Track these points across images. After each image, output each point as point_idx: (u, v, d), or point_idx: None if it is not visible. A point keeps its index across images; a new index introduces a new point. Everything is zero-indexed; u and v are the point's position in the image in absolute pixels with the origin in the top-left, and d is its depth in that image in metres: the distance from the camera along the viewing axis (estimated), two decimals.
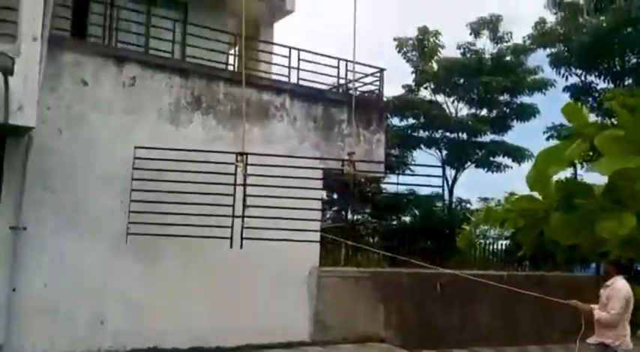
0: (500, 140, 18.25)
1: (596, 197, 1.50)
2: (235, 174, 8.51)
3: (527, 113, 18.19)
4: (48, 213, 8.01)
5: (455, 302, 11.85)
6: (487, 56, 18.17)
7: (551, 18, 18.51)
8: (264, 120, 10.17)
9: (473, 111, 18.59)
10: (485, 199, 18.70)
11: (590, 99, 18.18)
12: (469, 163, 18.23)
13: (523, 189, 1.57)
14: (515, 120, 18.39)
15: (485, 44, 18.38)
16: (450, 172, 18.08)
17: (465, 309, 11.98)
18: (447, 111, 18.35)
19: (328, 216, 16.34)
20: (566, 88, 17.94)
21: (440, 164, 10.88)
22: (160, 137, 8.81)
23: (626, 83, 17.76)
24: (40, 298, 7.89)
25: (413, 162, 16.75)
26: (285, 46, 10.93)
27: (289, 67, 10.84)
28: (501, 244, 15.83)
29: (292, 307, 9.94)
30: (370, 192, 16.50)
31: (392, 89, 23.28)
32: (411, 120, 18.04)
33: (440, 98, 18.45)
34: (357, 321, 10.72)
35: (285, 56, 10.88)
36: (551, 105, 19.99)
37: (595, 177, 1.52)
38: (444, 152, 18.11)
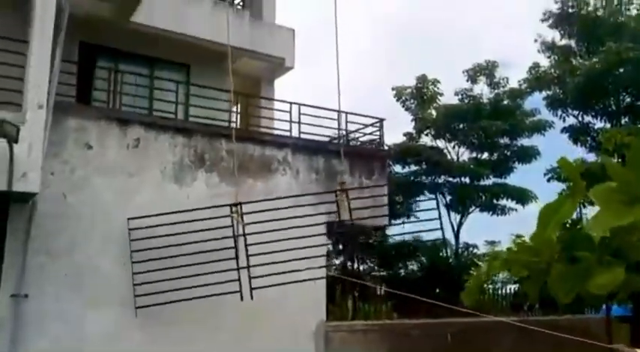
0: (503, 183, 18.22)
1: (595, 248, 1.48)
2: (234, 226, 8.45)
3: (528, 155, 18.24)
4: (50, 279, 7.90)
5: (466, 350, 11.55)
6: (485, 101, 18.36)
7: (544, 62, 18.82)
8: (266, 175, 10.17)
9: (474, 155, 18.65)
10: (492, 243, 18.54)
11: (588, 138, 18.26)
12: (473, 207, 18.14)
13: (528, 232, 1.60)
14: (516, 163, 18.42)
15: (482, 89, 18.63)
16: (455, 217, 17.99)
17: None
18: (449, 156, 18.41)
19: (334, 266, 16.14)
20: (564, 129, 18.04)
21: (436, 207, 10.74)
22: (164, 197, 8.79)
23: (622, 122, 17.86)
24: None
25: (417, 209, 16.59)
26: (285, 102, 11.06)
27: (290, 122, 10.93)
28: (510, 288, 15.59)
29: None
30: (375, 241, 16.36)
31: (392, 137, 23.45)
32: (413, 167, 18.08)
33: (441, 144, 18.56)
34: None
35: (286, 111, 11.00)
36: (552, 145, 20.10)
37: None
38: (448, 197, 18.05)
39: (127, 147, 8.78)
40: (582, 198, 1.48)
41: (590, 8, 18.73)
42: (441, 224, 10.66)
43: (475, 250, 18.20)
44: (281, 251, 8.43)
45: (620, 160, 14.52)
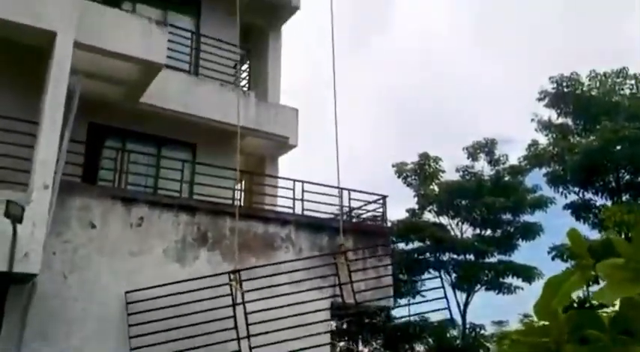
0: (508, 260, 17.96)
1: (606, 327, 1.41)
2: (232, 295, 8.24)
3: (531, 231, 18.13)
4: None
5: None
6: (486, 178, 18.47)
7: (542, 139, 19.08)
8: (269, 253, 10.00)
9: (477, 231, 18.53)
10: (500, 323, 18.05)
11: (591, 215, 18.19)
12: (479, 286, 17.79)
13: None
14: (520, 239, 18.26)
15: (482, 166, 18.79)
16: (461, 296, 17.60)
17: None
18: (452, 232, 18.28)
19: (338, 349, 15.59)
20: (566, 206, 18.03)
21: (441, 285, 10.49)
22: (165, 277, 8.58)
23: (624, 198, 17.86)
24: None
25: (422, 287, 16.24)
26: (289, 179, 11.07)
27: (294, 199, 10.88)
28: None
29: None
30: (380, 321, 15.90)
31: (395, 211, 23.41)
32: (417, 244, 17.92)
33: (444, 220, 18.51)
34: None
35: (290, 188, 10.98)
36: (555, 221, 20.04)
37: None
38: (453, 275, 17.75)
39: (130, 226, 8.68)
40: (590, 277, 1.43)
41: (584, 88, 19.22)
42: (448, 303, 10.39)
43: (482, 331, 17.66)
44: (282, 318, 8.18)
45: (622, 236, 14.42)
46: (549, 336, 1.47)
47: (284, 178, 11.63)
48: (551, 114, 19.45)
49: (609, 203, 17.71)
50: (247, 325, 8.30)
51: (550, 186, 18.08)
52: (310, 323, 8.67)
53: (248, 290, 8.52)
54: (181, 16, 11.90)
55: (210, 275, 8.74)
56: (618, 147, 17.06)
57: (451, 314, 10.78)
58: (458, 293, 17.44)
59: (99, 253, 8.29)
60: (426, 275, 16.61)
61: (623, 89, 19.36)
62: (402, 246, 17.74)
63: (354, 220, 12.27)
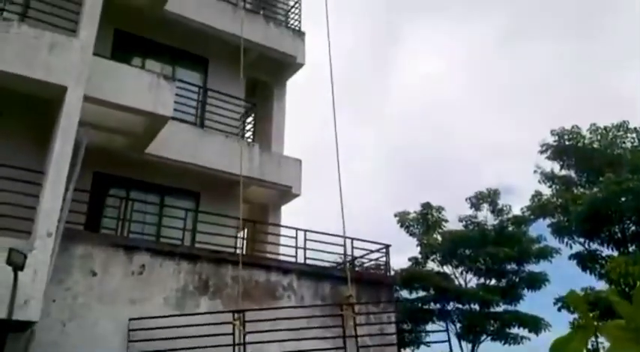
0: (514, 310, 17.53)
1: None
2: (234, 334, 8.06)
3: (537, 281, 17.78)
4: None
5: None
6: (489, 227, 18.27)
7: (546, 190, 18.95)
8: (270, 302, 9.83)
9: (482, 281, 18.18)
10: None
11: (597, 265, 17.81)
12: (484, 336, 17.30)
13: None
14: (525, 289, 17.87)
15: (486, 216, 18.63)
16: (467, 346, 17.09)
17: None
18: (456, 282, 17.94)
19: None
20: (572, 256, 17.70)
21: (447, 338, 10.18)
22: (166, 324, 8.43)
23: (630, 249, 17.51)
24: None
25: (426, 337, 15.80)
26: (292, 228, 11.01)
27: (296, 247, 10.80)
28: None
29: None
30: None
31: (397, 260, 23.13)
32: (421, 293, 17.58)
33: (447, 269, 18.23)
34: None
35: (292, 237, 10.91)
36: (560, 271, 19.67)
37: None
38: (458, 325, 17.30)
39: (131, 274, 8.62)
40: (593, 334, 1.47)
41: (585, 141, 19.22)
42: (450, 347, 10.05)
43: None
44: None
45: (626, 288, 14.04)
46: None
47: (287, 227, 11.59)
48: (553, 166, 19.42)
49: (615, 253, 17.37)
50: (244, 346, 8.08)
51: (555, 236, 17.84)
52: None
53: (250, 332, 8.35)
54: (189, 71, 12.21)
55: (214, 312, 8.68)
56: (623, 199, 16.88)
57: None
58: (463, 343, 16.97)
59: (99, 301, 8.20)
60: (430, 325, 16.23)
61: (624, 142, 19.34)
62: (405, 294, 17.43)
63: (357, 269, 12.12)
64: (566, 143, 19.14)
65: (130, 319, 8.16)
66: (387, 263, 12.08)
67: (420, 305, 17.18)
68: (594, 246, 17.87)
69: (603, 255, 17.69)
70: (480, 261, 17.52)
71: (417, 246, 17.94)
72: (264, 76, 13.09)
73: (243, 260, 9.80)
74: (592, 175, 18.45)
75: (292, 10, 13.71)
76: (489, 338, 17.11)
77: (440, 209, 18.10)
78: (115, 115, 9.36)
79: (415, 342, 15.89)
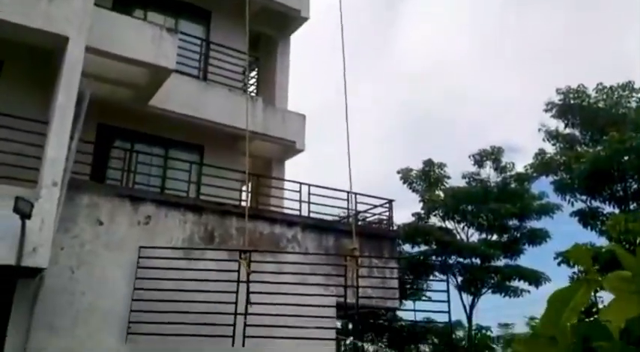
0: (515, 264, 17.60)
1: (615, 339, 1.37)
2: (239, 271, 8.22)
3: (538, 237, 17.77)
4: None
5: None
6: (492, 184, 18.17)
7: (550, 149, 18.74)
8: (275, 253, 9.86)
9: (484, 236, 18.20)
10: (506, 325, 17.67)
11: (598, 222, 17.76)
12: (485, 289, 17.43)
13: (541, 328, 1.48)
14: (526, 245, 17.90)
15: (489, 173, 18.49)
16: (467, 298, 17.25)
17: None
18: (458, 237, 17.97)
19: (344, 347, 15.34)
20: (573, 213, 17.62)
21: (446, 289, 10.24)
22: (171, 272, 8.47)
23: (631, 207, 17.42)
24: None
25: (427, 290, 15.94)
26: (296, 182, 10.94)
27: (300, 201, 10.75)
28: None
29: None
30: (386, 322, 15.62)
31: (400, 216, 23.15)
32: (423, 247, 17.64)
33: (450, 225, 18.21)
34: None
35: (296, 191, 10.86)
36: (562, 227, 19.65)
37: None
38: (459, 278, 17.42)
39: (137, 224, 8.62)
40: (597, 287, 1.43)
41: (591, 100, 18.92)
42: (449, 307, 10.13)
43: (488, 332, 17.29)
44: (286, 305, 8.14)
45: (627, 245, 13.98)
46: (557, 348, 1.43)
47: (291, 181, 11.53)
48: (558, 125, 19.17)
49: (617, 211, 17.29)
50: (247, 303, 8.17)
51: (557, 193, 17.73)
52: (315, 316, 8.52)
53: (254, 271, 8.45)
54: (192, 24, 11.93)
55: (222, 249, 8.84)
56: (626, 158, 16.68)
57: (450, 317, 10.53)
58: (464, 295, 17.12)
59: (106, 248, 8.24)
60: (431, 278, 16.32)
61: (629, 102, 19.04)
62: (407, 249, 17.49)
63: (360, 224, 12.11)
64: (572, 102, 18.84)
65: (140, 247, 8.25)
66: (390, 217, 12.07)
67: (421, 258, 17.27)
68: (596, 203, 17.78)
69: (604, 212, 17.61)
70: (482, 217, 17.50)
71: (420, 202, 17.90)
72: (268, 29, 12.78)
73: (248, 213, 9.80)
74: (596, 134, 18.20)
75: None
76: (489, 290, 17.26)
77: (441, 166, 17.96)
78: (118, 67, 9.20)
79: (416, 294, 16.02)
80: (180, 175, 10.12)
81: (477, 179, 18.02)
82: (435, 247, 17.14)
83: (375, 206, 12.00)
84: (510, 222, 17.79)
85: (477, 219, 17.65)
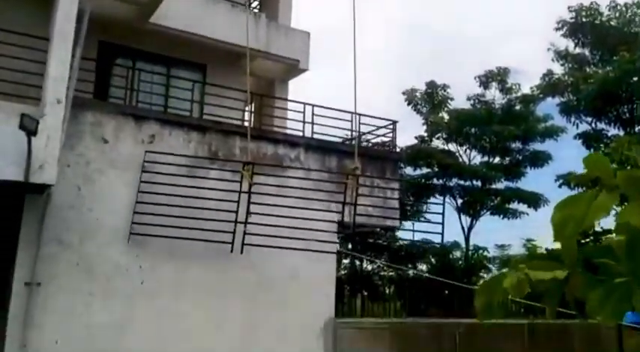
0: (515, 187, 17.91)
1: (619, 256, 1.37)
2: (241, 182, 8.64)
3: (540, 160, 17.94)
4: (62, 268, 7.89)
5: None
6: (497, 106, 18.12)
7: (558, 69, 18.51)
8: (279, 172, 10.07)
9: (486, 159, 18.39)
10: (502, 246, 18.26)
11: (602, 145, 17.88)
12: (484, 211, 17.86)
13: (539, 235, 1.42)
14: (528, 167, 18.12)
15: (494, 95, 18.38)
16: (466, 220, 17.73)
17: None
18: (460, 159, 18.16)
19: (343, 266, 15.98)
20: (577, 136, 17.70)
21: (442, 211, 10.59)
22: (177, 189, 8.72)
23: (637, 129, 17.49)
24: None
25: (427, 211, 16.35)
26: (299, 102, 10.98)
27: (304, 122, 10.83)
28: None
29: None
30: (385, 242, 16.17)
31: (403, 139, 23.27)
32: (425, 170, 17.87)
33: (452, 147, 18.34)
34: None
35: (300, 111, 10.91)
36: (564, 151, 19.86)
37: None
38: (459, 200, 17.81)
39: (141, 142, 8.77)
40: (617, 199, 1.33)
41: (603, 18, 18.45)
42: (443, 229, 10.51)
43: (485, 253, 17.92)
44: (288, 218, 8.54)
45: (629, 167, 14.10)
46: (561, 266, 1.43)
47: (294, 101, 11.55)
48: (568, 44, 18.82)
49: (622, 133, 17.36)
50: (248, 213, 8.52)
51: (562, 115, 17.71)
52: (316, 230, 8.92)
53: (256, 183, 8.78)
54: None
55: (224, 160, 9.20)
56: (635, 78, 16.53)
57: (443, 237, 10.99)
58: (463, 217, 17.60)
59: (111, 166, 8.44)
60: (429, 201, 16.69)
61: None
62: (410, 171, 17.73)
63: (363, 145, 12.24)
64: (583, 20, 18.38)
65: (147, 151, 8.50)
66: (394, 138, 12.17)
67: (423, 181, 17.56)
68: (601, 125, 17.82)
69: (609, 134, 17.70)
70: (485, 140, 17.60)
71: (424, 124, 17.95)
72: None
73: (251, 132, 9.91)
74: (606, 54, 17.91)
75: None
76: (489, 212, 17.69)
77: (445, 87, 17.82)
78: None
79: (416, 216, 16.46)
80: (183, 94, 10.13)
81: (482, 101, 17.94)
82: (436, 169, 17.36)
83: (379, 127, 12.08)
84: (513, 145, 17.90)
85: (479, 142, 17.76)
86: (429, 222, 12.92)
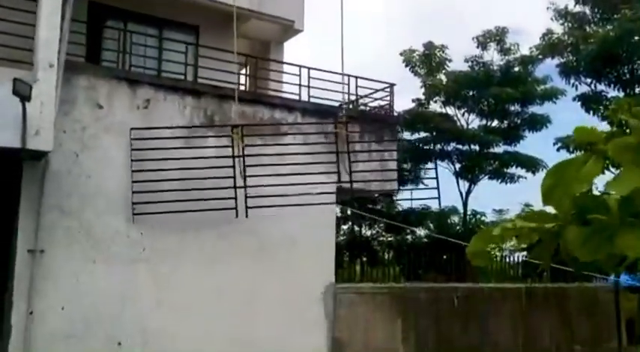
0: (513, 151, 18.15)
1: (612, 210, 1.42)
2: (233, 147, 8.86)
3: (538, 123, 18.11)
4: (63, 235, 8.07)
5: (473, 316, 11.73)
6: (495, 68, 18.19)
7: (558, 29, 18.52)
8: (275, 137, 10.20)
9: (484, 122, 18.55)
10: (500, 211, 18.63)
11: (601, 107, 18.06)
12: (482, 175, 18.12)
13: (538, 200, 1.51)
14: (527, 131, 18.33)
15: (492, 56, 18.43)
16: (464, 185, 18.01)
17: (483, 323, 11.85)
18: (458, 123, 18.32)
19: (342, 231, 16.29)
20: (576, 97, 17.84)
21: (435, 176, 10.84)
22: (173, 153, 8.84)
23: (636, 91, 17.66)
24: (57, 321, 7.91)
25: (424, 176, 16.61)
26: (295, 65, 11.03)
27: (300, 85, 10.91)
28: (518, 256, 15.69)
29: (308, 326, 9.88)
30: (383, 207, 16.46)
31: (401, 102, 23.38)
32: (423, 134, 18.01)
33: (450, 110, 18.45)
34: (375, 338, 10.63)
35: (296, 74, 10.96)
36: (563, 113, 20.07)
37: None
38: (457, 165, 18.04)
39: (137, 108, 8.84)
40: (605, 160, 1.41)
41: None
42: (439, 192, 10.79)
43: (483, 218, 18.29)
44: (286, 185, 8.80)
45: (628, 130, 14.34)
46: (554, 220, 1.48)
47: (290, 64, 11.60)
48: (568, 3, 18.76)
49: (621, 95, 17.53)
50: (244, 176, 8.72)
51: (562, 76, 17.78)
52: (313, 183, 9.18)
53: (248, 145, 9.06)
54: None
55: (215, 126, 9.41)
56: (636, 38, 16.60)
57: (440, 202, 11.29)
58: (461, 182, 17.86)
59: (107, 132, 8.53)
60: (430, 165, 16.91)
61: None
62: (407, 136, 17.85)
63: (361, 108, 12.34)
64: None
65: (132, 129, 8.57)
66: (391, 102, 12.30)
67: (420, 145, 17.71)
68: (601, 87, 17.94)
69: (608, 96, 17.85)
70: (483, 103, 17.72)
71: (421, 87, 17.99)
72: None
73: (247, 97, 9.99)
74: (607, 12, 17.90)
75: None
76: (487, 177, 17.96)
77: (443, 48, 17.83)
78: None
79: (414, 181, 16.72)
80: (176, 57, 10.15)
81: (480, 62, 17.98)
82: (434, 134, 17.51)
83: (377, 90, 12.19)
84: (512, 108, 18.04)
85: (478, 105, 17.88)
86: (425, 187, 13.20)
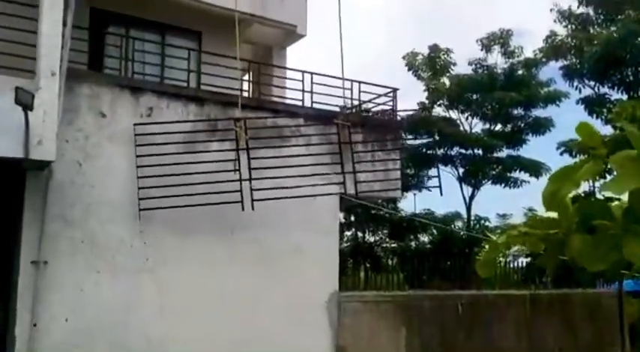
0: (517, 155, 18.19)
1: (616, 218, 1.46)
2: (237, 139, 8.92)
3: (542, 126, 18.16)
4: (67, 246, 8.08)
5: (477, 323, 11.76)
6: (499, 71, 18.23)
7: (561, 31, 18.57)
8: (278, 143, 10.22)
9: (487, 126, 18.59)
10: (504, 216, 18.66)
11: (604, 110, 18.11)
12: (486, 180, 18.16)
13: (541, 205, 1.54)
14: (530, 134, 18.37)
15: (496, 59, 18.47)
16: (467, 190, 18.03)
17: (487, 330, 11.87)
18: (462, 127, 18.35)
19: (346, 238, 16.31)
20: (580, 100, 17.90)
21: (438, 185, 10.92)
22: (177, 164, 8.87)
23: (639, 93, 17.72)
24: (61, 332, 7.91)
25: (428, 182, 16.64)
26: (298, 70, 11.05)
27: (303, 91, 10.93)
28: (522, 261, 15.73)
29: (312, 334, 9.90)
30: (387, 213, 16.47)
31: (404, 106, 23.39)
32: (426, 138, 18.04)
33: (454, 115, 18.49)
34: (379, 346, 10.64)
35: (299, 80, 10.99)
36: (566, 117, 20.08)
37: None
38: (460, 169, 18.07)
39: (140, 116, 8.85)
40: (602, 168, 1.44)
41: None
42: (441, 192, 10.96)
43: (487, 223, 18.31)
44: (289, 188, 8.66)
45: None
46: (559, 227, 1.51)
47: (293, 69, 11.61)
48: (571, 4, 18.81)
49: (625, 97, 17.58)
50: (250, 169, 8.73)
51: (565, 79, 17.85)
52: (317, 195, 9.21)
53: (253, 148, 9.09)
54: None
55: (218, 120, 9.46)
56: (639, 39, 16.65)
57: (441, 196, 11.45)
58: (465, 187, 17.89)
59: (110, 141, 8.54)
60: (433, 170, 16.89)
61: None
62: (410, 139, 17.84)
63: (363, 114, 12.34)
64: None
65: (135, 124, 8.59)
66: (394, 106, 12.31)
67: (424, 150, 17.72)
68: (604, 89, 17.99)
69: (612, 99, 17.89)
70: (487, 106, 17.75)
71: (425, 91, 18.02)
72: None
73: (250, 103, 10.00)
74: (611, 13, 17.96)
75: None
76: (490, 182, 17.99)
77: (448, 51, 17.87)
78: None
79: (418, 186, 16.76)
80: (179, 64, 10.16)
81: (484, 65, 18.03)
82: (438, 138, 17.53)
83: (380, 95, 12.21)
84: (515, 112, 18.07)
85: (481, 109, 17.92)
86: (429, 190, 13.24)
